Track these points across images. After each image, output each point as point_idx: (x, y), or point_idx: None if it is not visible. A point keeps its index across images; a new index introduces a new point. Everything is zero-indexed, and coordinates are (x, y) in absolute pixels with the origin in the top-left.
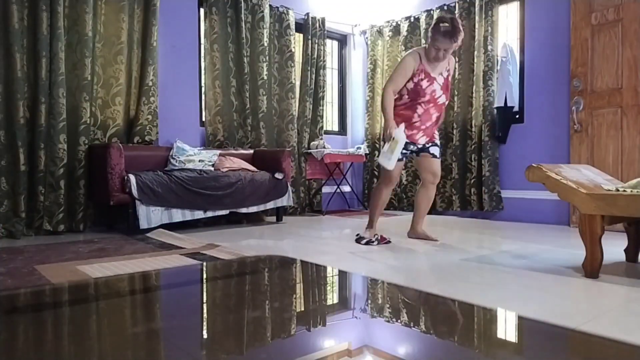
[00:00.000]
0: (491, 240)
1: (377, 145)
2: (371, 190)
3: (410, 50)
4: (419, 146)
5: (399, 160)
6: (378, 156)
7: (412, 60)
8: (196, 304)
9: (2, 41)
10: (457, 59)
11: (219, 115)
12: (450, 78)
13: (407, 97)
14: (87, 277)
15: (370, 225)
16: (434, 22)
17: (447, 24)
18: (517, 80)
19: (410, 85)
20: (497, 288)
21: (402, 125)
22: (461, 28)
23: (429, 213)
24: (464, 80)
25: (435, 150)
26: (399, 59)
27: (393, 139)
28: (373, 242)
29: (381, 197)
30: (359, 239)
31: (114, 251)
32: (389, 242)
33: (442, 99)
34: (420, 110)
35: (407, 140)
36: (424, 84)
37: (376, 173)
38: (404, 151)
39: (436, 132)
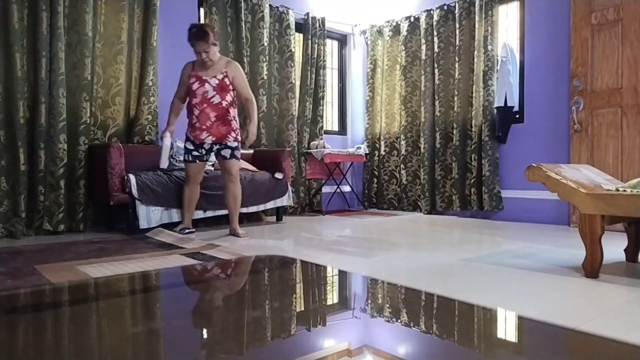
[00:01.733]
0: (491, 240)
1: (377, 145)
2: (371, 190)
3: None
4: (207, 146)
5: (192, 161)
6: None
7: (184, 70)
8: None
9: (2, 41)
10: (457, 59)
11: None
12: (227, 80)
13: (188, 100)
14: (87, 277)
15: (182, 220)
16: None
17: (194, 29)
18: (517, 80)
19: (185, 89)
20: (497, 288)
21: (168, 133)
22: (207, 29)
23: (430, 213)
24: (464, 80)
25: (226, 153)
26: (399, 59)
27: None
28: (184, 231)
29: (184, 195)
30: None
31: (114, 251)
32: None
33: (216, 99)
34: (196, 111)
35: (196, 141)
36: (195, 86)
37: (376, 173)
38: (196, 153)
39: (232, 132)
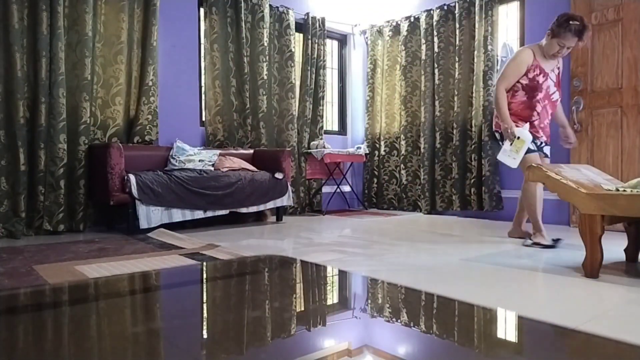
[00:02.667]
0: (491, 240)
1: (377, 145)
2: (371, 190)
3: (522, 47)
4: (538, 143)
5: (533, 151)
6: (497, 154)
7: (525, 56)
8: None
9: (2, 41)
10: (457, 59)
11: (219, 115)
12: (560, 75)
13: (522, 92)
14: (84, 278)
15: (539, 229)
16: (562, 18)
17: (577, 22)
18: None
19: (525, 80)
20: (497, 288)
21: (527, 125)
22: (590, 27)
23: (430, 213)
24: (464, 80)
25: (547, 150)
26: (399, 59)
27: (518, 138)
28: (549, 245)
29: (537, 194)
30: (533, 244)
31: (114, 251)
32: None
33: (556, 96)
34: (539, 107)
35: (535, 134)
36: (540, 79)
37: (376, 173)
38: (533, 143)
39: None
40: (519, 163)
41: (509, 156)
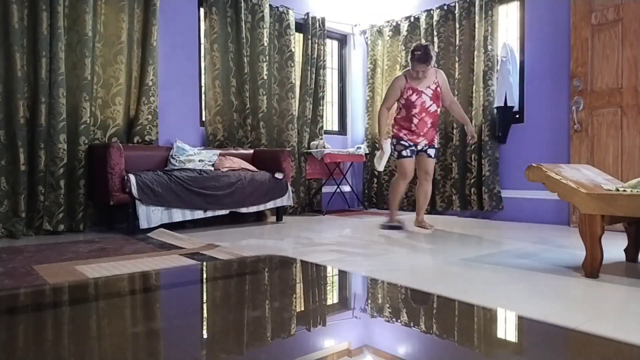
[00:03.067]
0: (491, 240)
1: (377, 145)
2: (371, 190)
3: (398, 74)
4: (419, 147)
5: (409, 157)
6: (373, 160)
7: (398, 82)
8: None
9: (2, 41)
10: (457, 59)
11: (219, 115)
12: (439, 89)
13: (403, 110)
14: (84, 278)
15: (392, 214)
16: (410, 50)
17: (419, 52)
18: (517, 80)
19: (402, 101)
20: (497, 288)
21: (389, 140)
22: (432, 54)
23: (430, 213)
24: (464, 80)
25: (432, 152)
26: (399, 59)
27: (382, 150)
28: (395, 226)
29: (398, 189)
30: (384, 226)
31: (114, 251)
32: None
33: (433, 107)
34: (415, 120)
35: (410, 143)
36: (414, 97)
37: (376, 173)
38: (410, 150)
39: (436, 136)
40: (383, 166)
41: (376, 162)
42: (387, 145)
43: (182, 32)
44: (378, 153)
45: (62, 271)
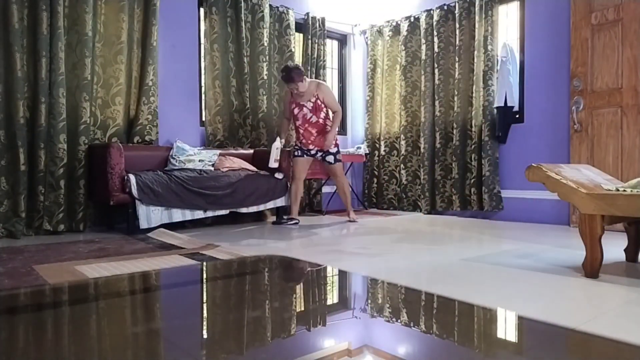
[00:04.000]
0: (491, 240)
1: (377, 145)
2: (371, 190)
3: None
4: (312, 152)
5: (300, 157)
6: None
7: (286, 97)
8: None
9: (2, 41)
10: (457, 59)
11: (219, 115)
12: (320, 102)
13: (293, 120)
14: (84, 278)
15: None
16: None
17: (283, 74)
18: (517, 80)
19: (289, 114)
20: (497, 288)
21: (278, 139)
22: (294, 76)
23: (430, 213)
24: (464, 80)
25: (330, 158)
26: (399, 59)
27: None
28: (289, 222)
29: (292, 190)
30: (282, 222)
31: (114, 251)
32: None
33: (314, 119)
34: (300, 129)
35: (303, 147)
36: (296, 110)
37: (376, 173)
38: (301, 152)
39: (331, 142)
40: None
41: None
42: (277, 143)
43: (182, 32)
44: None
45: (62, 271)
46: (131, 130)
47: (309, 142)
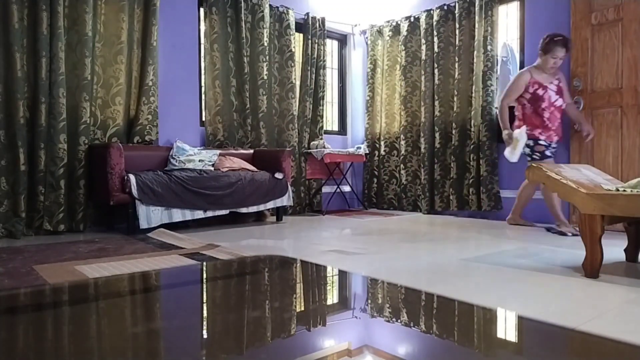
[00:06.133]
0: (491, 240)
1: (377, 145)
2: (371, 190)
3: (520, 71)
4: (554, 145)
5: (550, 157)
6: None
7: (523, 77)
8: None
9: (2, 41)
10: (457, 59)
11: (219, 115)
12: (562, 85)
13: (529, 105)
14: (84, 278)
15: (559, 219)
16: (547, 38)
17: (562, 37)
18: None
19: (528, 95)
20: (497, 288)
21: (524, 127)
22: (570, 45)
23: (429, 213)
24: (464, 80)
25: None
26: (399, 59)
27: (515, 138)
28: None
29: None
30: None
31: (114, 251)
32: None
33: (559, 102)
34: (546, 114)
35: (545, 142)
36: (540, 92)
37: (376, 173)
38: (552, 149)
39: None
40: (518, 156)
41: (511, 153)
42: (521, 132)
43: (182, 32)
44: (509, 146)
45: (62, 271)
46: (131, 130)
47: (553, 128)
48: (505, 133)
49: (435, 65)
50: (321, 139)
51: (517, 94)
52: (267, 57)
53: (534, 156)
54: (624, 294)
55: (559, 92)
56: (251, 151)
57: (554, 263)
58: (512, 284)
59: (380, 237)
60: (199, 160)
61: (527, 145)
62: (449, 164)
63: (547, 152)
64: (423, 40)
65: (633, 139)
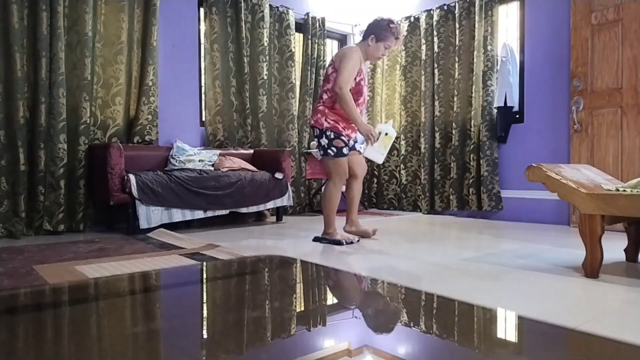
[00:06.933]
0: (491, 240)
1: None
2: (371, 190)
3: (351, 47)
4: (352, 143)
5: (346, 155)
6: (364, 151)
7: (358, 59)
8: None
9: (2, 41)
10: (457, 59)
11: (219, 115)
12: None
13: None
14: (84, 278)
15: (331, 226)
16: (383, 23)
17: (396, 25)
18: (517, 80)
19: (353, 84)
20: (497, 288)
21: (391, 121)
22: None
23: (429, 213)
24: (464, 80)
25: (360, 147)
26: (399, 59)
27: (386, 134)
28: (341, 242)
29: (332, 198)
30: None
31: (114, 251)
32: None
33: (366, 96)
34: (358, 110)
35: (346, 138)
36: (362, 83)
37: (376, 173)
38: (347, 149)
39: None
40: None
41: (378, 152)
42: (389, 127)
43: (182, 32)
44: (377, 143)
45: (62, 271)
46: (131, 130)
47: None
48: (367, 130)
49: (435, 65)
50: None
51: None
52: (267, 57)
53: (329, 151)
54: (624, 294)
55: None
56: (251, 151)
57: (554, 263)
58: (512, 284)
59: (380, 237)
60: (199, 160)
61: (327, 137)
62: (449, 164)
63: (345, 150)
64: (423, 40)
65: (633, 139)
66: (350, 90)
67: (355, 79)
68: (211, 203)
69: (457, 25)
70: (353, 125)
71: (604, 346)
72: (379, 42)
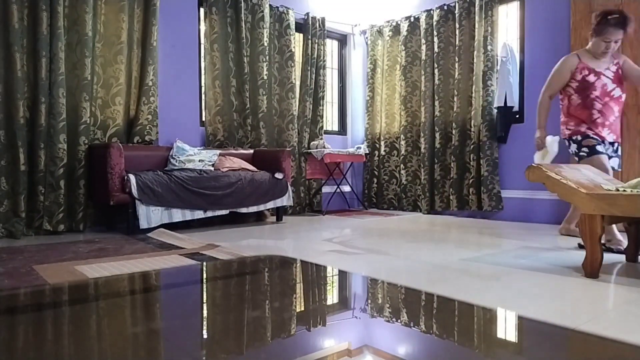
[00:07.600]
0: (491, 240)
1: (377, 145)
2: (371, 190)
3: (566, 55)
4: (607, 145)
5: (602, 153)
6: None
7: (567, 62)
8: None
9: (2, 41)
10: (457, 59)
11: (219, 115)
12: (621, 71)
13: (576, 96)
14: (84, 278)
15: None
16: (599, 16)
17: (616, 15)
18: (517, 80)
19: (575, 84)
20: (497, 288)
21: (557, 137)
22: (631, 17)
23: (429, 213)
24: (464, 80)
25: (615, 163)
26: (399, 59)
27: (545, 148)
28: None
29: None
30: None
31: (114, 251)
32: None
33: (617, 92)
34: (597, 105)
35: (596, 138)
36: (591, 78)
37: (376, 173)
38: (606, 147)
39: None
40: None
41: (539, 160)
42: (553, 143)
43: (182, 32)
44: (538, 155)
45: (62, 271)
46: (131, 130)
47: (607, 124)
48: (537, 135)
49: (435, 65)
50: (321, 139)
51: (561, 83)
52: (267, 57)
53: (581, 153)
54: (624, 294)
55: (617, 81)
56: (251, 151)
57: (554, 263)
58: (512, 284)
59: (380, 237)
60: (199, 160)
61: (574, 142)
62: (449, 164)
63: (599, 148)
64: (423, 40)
65: (633, 139)
66: (576, 88)
67: (574, 78)
68: (211, 203)
69: (457, 25)
70: (602, 122)
71: (604, 346)
72: (596, 38)
